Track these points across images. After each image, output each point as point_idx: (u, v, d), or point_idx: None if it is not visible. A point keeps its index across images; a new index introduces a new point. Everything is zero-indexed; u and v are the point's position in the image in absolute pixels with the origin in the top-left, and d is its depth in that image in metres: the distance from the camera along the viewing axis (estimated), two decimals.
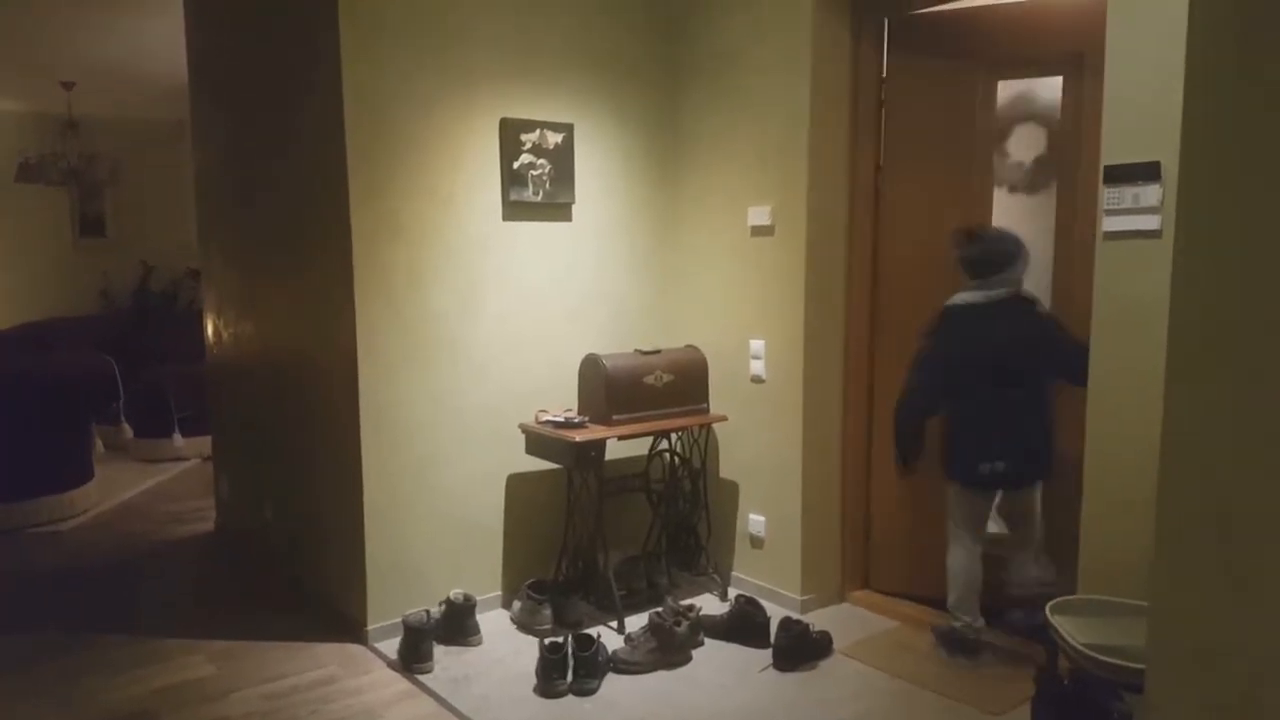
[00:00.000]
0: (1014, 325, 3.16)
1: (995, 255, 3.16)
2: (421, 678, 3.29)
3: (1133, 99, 2.73)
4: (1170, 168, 2.61)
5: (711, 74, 3.96)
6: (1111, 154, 2.78)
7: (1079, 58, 3.23)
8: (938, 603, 3.64)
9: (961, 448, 3.27)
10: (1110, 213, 2.77)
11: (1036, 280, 3.38)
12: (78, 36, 5.57)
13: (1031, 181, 3.49)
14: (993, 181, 3.56)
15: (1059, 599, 2.66)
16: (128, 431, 6.59)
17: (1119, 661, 2.30)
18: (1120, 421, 2.82)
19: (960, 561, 3.32)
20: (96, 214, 8.36)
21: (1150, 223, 2.68)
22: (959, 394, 3.23)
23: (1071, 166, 3.30)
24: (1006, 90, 3.49)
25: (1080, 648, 2.39)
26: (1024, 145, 3.46)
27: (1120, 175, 2.73)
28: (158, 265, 8.47)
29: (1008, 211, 3.52)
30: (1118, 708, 2.42)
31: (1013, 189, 3.55)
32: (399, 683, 3.30)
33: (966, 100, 3.51)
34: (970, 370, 3.19)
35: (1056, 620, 2.53)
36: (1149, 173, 2.66)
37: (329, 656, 3.49)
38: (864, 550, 3.93)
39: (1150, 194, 2.67)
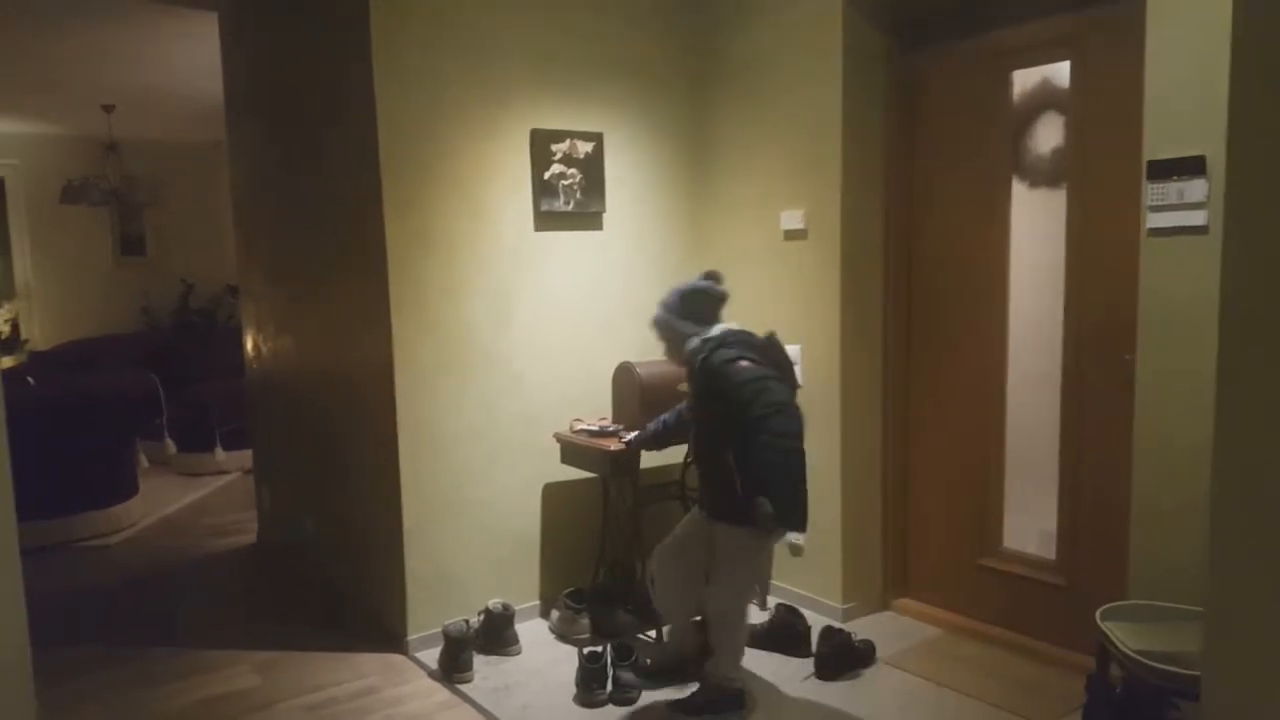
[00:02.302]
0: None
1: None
2: (462, 687, 3.29)
3: (1175, 91, 2.67)
4: (1216, 161, 2.55)
5: (741, 80, 3.95)
6: (1155, 149, 2.72)
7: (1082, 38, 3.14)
8: (981, 612, 3.58)
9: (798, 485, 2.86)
10: (1155, 209, 2.72)
11: (1056, 284, 3.29)
12: (117, 62, 5.68)
13: (1057, 175, 3.40)
14: (1026, 177, 3.50)
15: (1110, 605, 2.60)
16: (171, 446, 6.69)
17: (1173, 669, 2.24)
18: (1169, 424, 2.76)
19: (747, 615, 3.11)
20: (137, 234, 8.52)
21: (1197, 218, 2.62)
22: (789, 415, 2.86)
23: (1081, 157, 3.21)
24: (1030, 78, 3.42)
25: (1133, 654, 2.33)
26: (1049, 136, 3.38)
27: (1164, 170, 2.68)
28: (197, 283, 8.61)
29: (1035, 207, 3.45)
30: (1172, 716, 2.36)
31: (1034, 184, 3.47)
32: (440, 692, 3.30)
33: (993, 92, 3.45)
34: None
35: (1108, 626, 2.47)
36: (1194, 167, 2.61)
37: (370, 666, 3.51)
38: (905, 558, 3.87)
39: (1196, 189, 2.61)
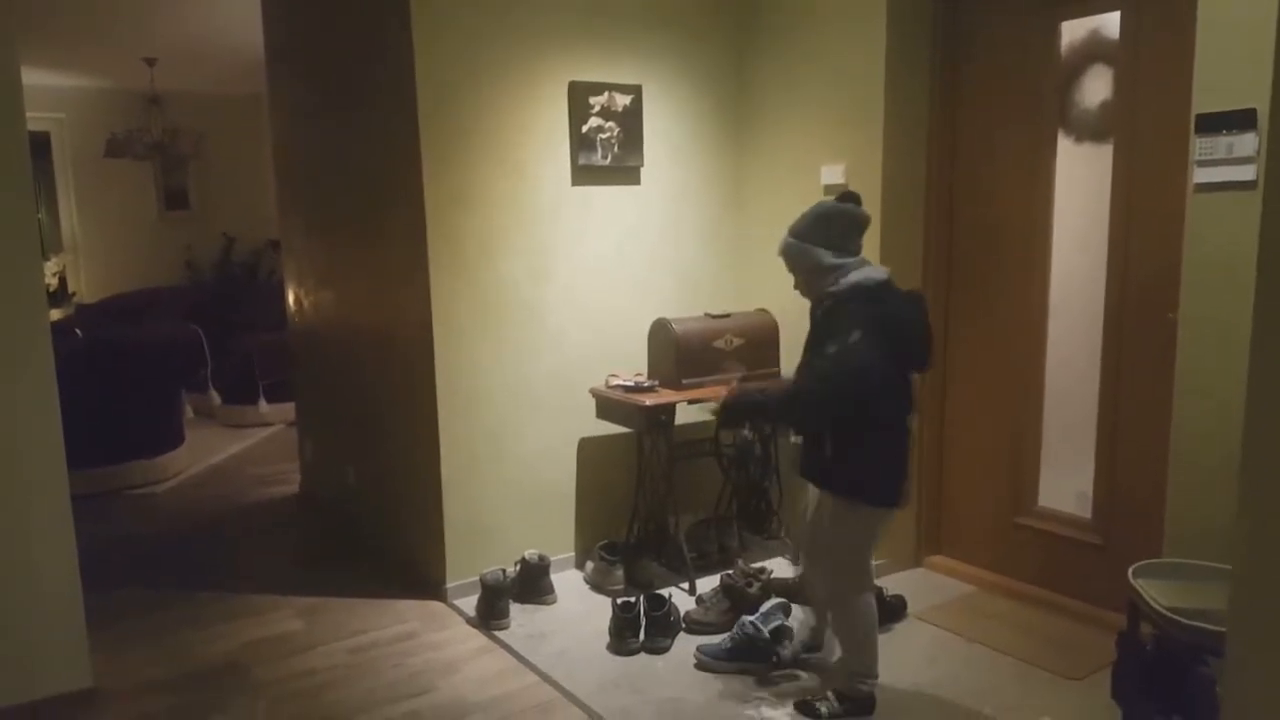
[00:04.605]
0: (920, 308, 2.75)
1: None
2: (498, 634, 3.37)
3: (1227, 43, 2.60)
4: (1268, 115, 2.48)
5: (783, 30, 3.89)
6: (1204, 102, 2.66)
7: None
8: (1015, 570, 3.59)
9: (892, 459, 2.70)
10: (1202, 164, 2.66)
11: (1099, 241, 3.25)
12: (158, 14, 5.72)
13: (1104, 129, 3.33)
14: (1073, 132, 3.43)
15: (1143, 563, 2.60)
16: (215, 398, 6.84)
17: (1203, 625, 2.24)
18: (1210, 383, 2.72)
19: (873, 608, 2.78)
20: (180, 188, 8.62)
21: (1245, 173, 2.56)
22: (892, 394, 2.65)
23: (1129, 113, 3.13)
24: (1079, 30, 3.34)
25: (1164, 611, 2.33)
26: (1096, 90, 3.31)
27: (1214, 124, 2.61)
28: (239, 237, 8.71)
29: (1081, 162, 3.39)
30: (1201, 672, 2.36)
31: (1080, 139, 3.41)
32: (477, 638, 3.39)
33: (1040, 44, 3.38)
34: (903, 363, 2.66)
35: (1140, 583, 2.47)
36: (1244, 121, 2.54)
37: (410, 613, 3.61)
38: (939, 515, 3.88)
39: (1246, 143, 2.55)
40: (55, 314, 7.45)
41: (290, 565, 4.20)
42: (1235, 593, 1.52)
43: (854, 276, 2.63)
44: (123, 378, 5.40)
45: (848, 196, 2.78)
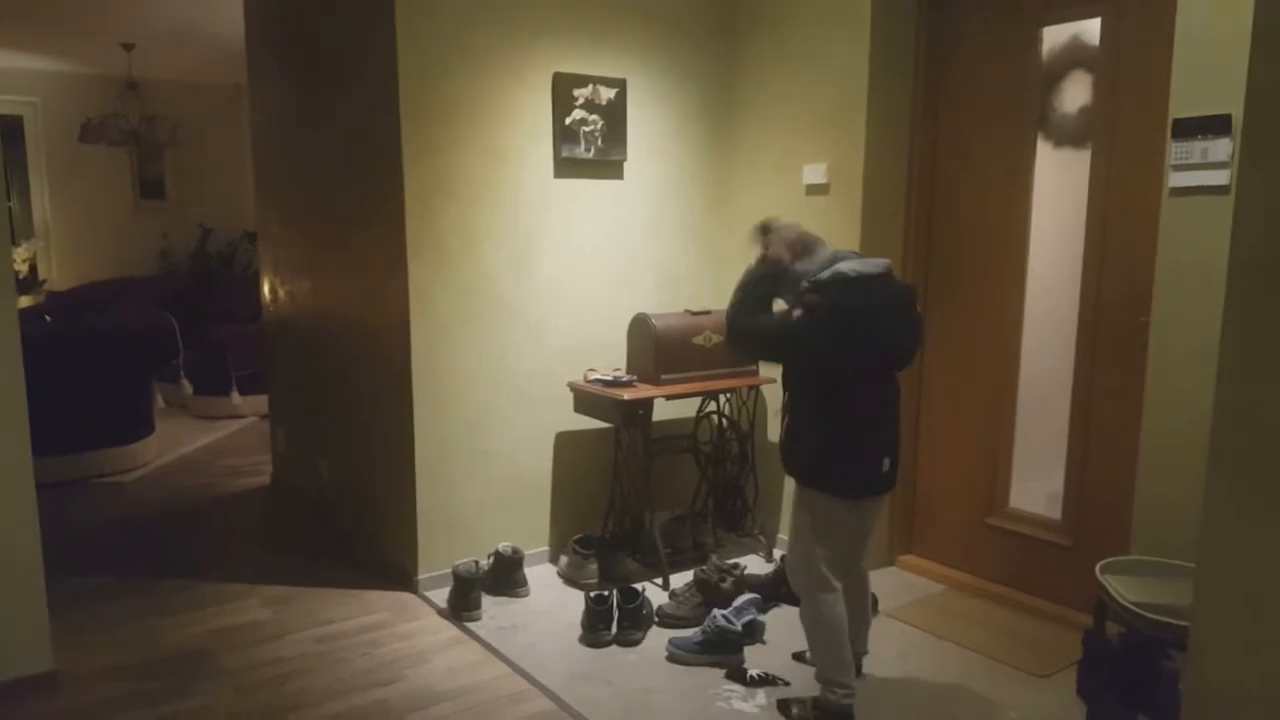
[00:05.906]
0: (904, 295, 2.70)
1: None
2: (470, 625, 3.35)
3: (1204, 49, 2.65)
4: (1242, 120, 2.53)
5: (769, 27, 3.92)
6: (1181, 107, 2.70)
7: None
8: (986, 571, 3.62)
9: (855, 449, 2.65)
10: (1178, 168, 2.70)
11: (1075, 244, 3.29)
12: None
13: (1082, 134, 3.37)
14: (1052, 136, 3.47)
15: (1110, 559, 2.63)
16: (187, 388, 6.77)
17: (1167, 619, 2.27)
18: (1181, 386, 2.76)
19: (838, 610, 2.66)
20: (156, 176, 8.51)
21: (1219, 178, 2.61)
22: (856, 381, 2.62)
23: (1109, 118, 3.17)
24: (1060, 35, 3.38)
25: (1129, 605, 2.36)
26: (1076, 95, 3.35)
27: (1189, 129, 2.66)
28: (215, 228, 8.62)
29: (1059, 167, 3.43)
30: (1164, 667, 2.39)
31: (1059, 143, 3.45)
32: (448, 630, 3.37)
33: (1022, 49, 3.42)
34: (871, 353, 2.61)
35: (1107, 579, 2.50)
36: (1219, 126, 2.59)
37: (380, 603, 3.58)
38: (912, 515, 3.90)
39: (1220, 148, 2.59)
40: (25, 301, 7.33)
41: (260, 555, 4.15)
42: (1199, 588, 1.54)
43: (798, 288, 2.61)
44: (92, 364, 5.32)
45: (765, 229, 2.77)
